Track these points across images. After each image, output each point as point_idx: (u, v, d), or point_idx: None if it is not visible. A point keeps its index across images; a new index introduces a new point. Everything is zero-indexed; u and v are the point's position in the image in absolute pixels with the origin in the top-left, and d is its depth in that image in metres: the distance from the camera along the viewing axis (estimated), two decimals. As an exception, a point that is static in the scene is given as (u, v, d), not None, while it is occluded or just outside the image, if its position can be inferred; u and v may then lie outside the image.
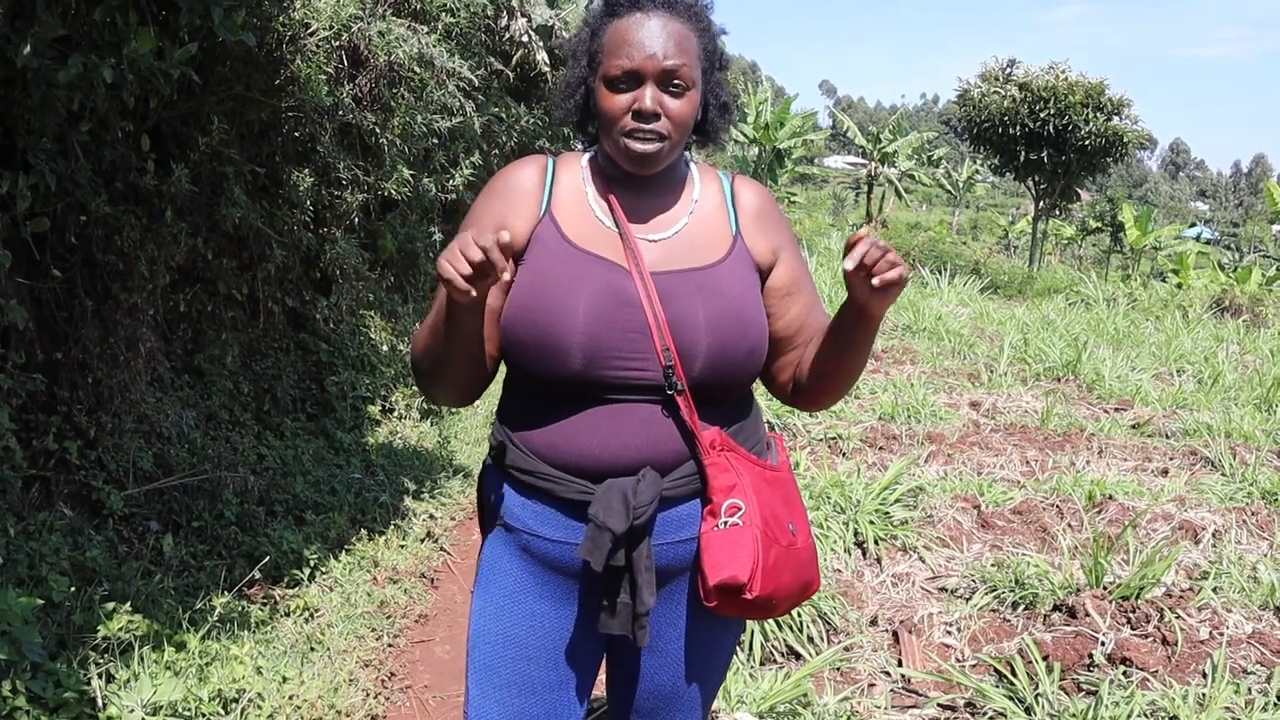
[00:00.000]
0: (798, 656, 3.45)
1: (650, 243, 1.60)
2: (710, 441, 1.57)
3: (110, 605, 2.95)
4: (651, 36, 1.52)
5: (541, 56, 8.17)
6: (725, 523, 1.54)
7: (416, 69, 5.55)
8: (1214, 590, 3.80)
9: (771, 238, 1.68)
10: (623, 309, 1.53)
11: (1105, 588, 3.78)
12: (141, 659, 2.80)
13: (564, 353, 1.50)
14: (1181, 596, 3.72)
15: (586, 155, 1.69)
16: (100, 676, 2.66)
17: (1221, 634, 3.47)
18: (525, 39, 7.91)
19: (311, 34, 4.72)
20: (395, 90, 5.55)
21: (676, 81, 1.52)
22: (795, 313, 1.68)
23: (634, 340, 1.52)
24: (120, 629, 2.83)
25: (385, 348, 6.12)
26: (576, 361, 1.51)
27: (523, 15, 7.84)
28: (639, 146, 1.53)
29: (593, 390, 1.54)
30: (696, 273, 1.58)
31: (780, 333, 1.68)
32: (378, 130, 5.40)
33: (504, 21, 7.71)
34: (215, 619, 3.15)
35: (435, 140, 6.21)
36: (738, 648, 3.26)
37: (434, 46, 5.65)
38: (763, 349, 1.62)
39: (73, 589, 2.96)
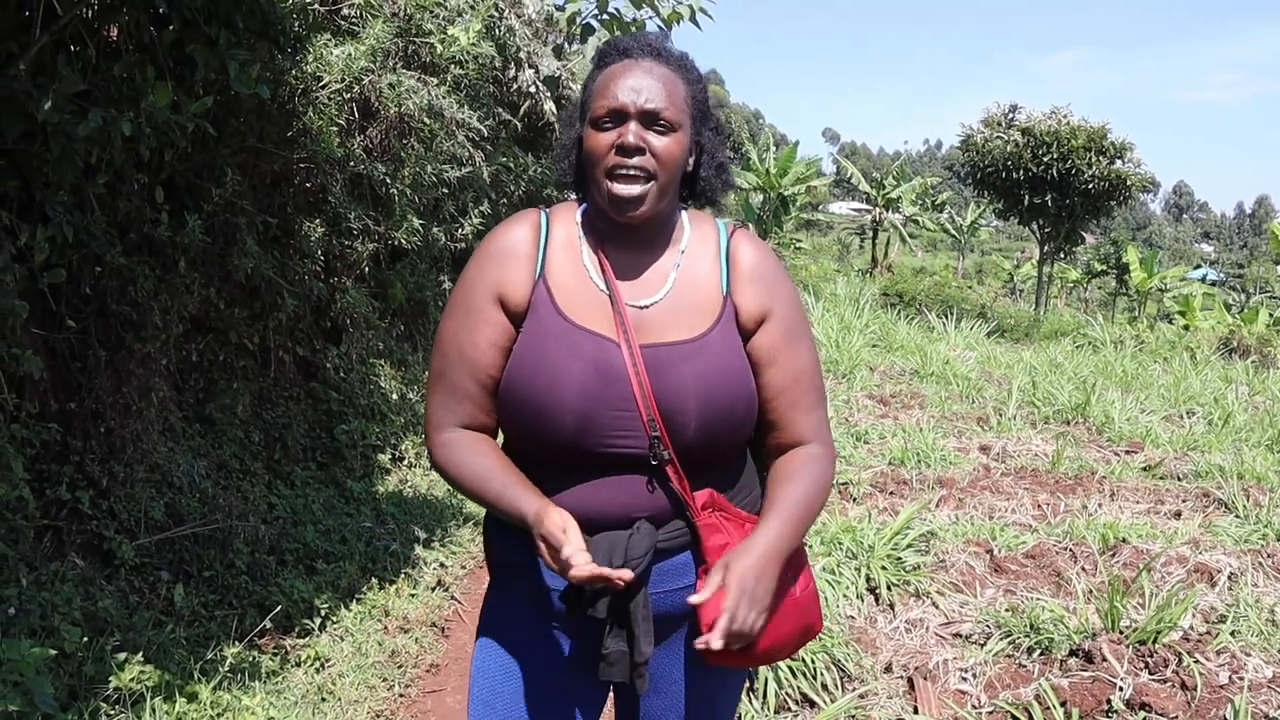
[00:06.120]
0: (812, 704, 3.41)
1: (640, 309, 1.58)
2: (702, 503, 1.57)
3: (122, 656, 2.94)
4: (636, 77, 1.53)
5: (549, 107, 8.30)
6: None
7: (426, 120, 5.63)
8: (1232, 634, 3.76)
9: (763, 300, 1.63)
10: (611, 385, 1.52)
11: (1122, 632, 3.74)
12: (153, 710, 2.78)
13: (556, 427, 1.52)
14: (1199, 640, 3.68)
15: (581, 207, 1.68)
16: (111, 728, 2.65)
17: (1241, 678, 3.42)
18: (533, 89, 8.04)
19: (323, 86, 4.80)
20: (405, 141, 5.63)
21: (661, 122, 1.52)
22: (764, 383, 1.62)
23: (622, 417, 1.53)
24: (132, 680, 2.82)
25: (395, 396, 6.14)
26: (568, 435, 1.52)
27: (530, 66, 7.97)
28: (623, 189, 1.52)
29: (585, 460, 1.55)
30: (685, 345, 1.57)
31: None
32: (388, 180, 5.47)
33: (512, 73, 7.84)
34: (226, 669, 3.14)
35: (445, 190, 6.29)
36: (751, 695, 3.23)
37: (443, 98, 5.74)
38: (753, 417, 1.62)
39: (84, 639, 2.96)
